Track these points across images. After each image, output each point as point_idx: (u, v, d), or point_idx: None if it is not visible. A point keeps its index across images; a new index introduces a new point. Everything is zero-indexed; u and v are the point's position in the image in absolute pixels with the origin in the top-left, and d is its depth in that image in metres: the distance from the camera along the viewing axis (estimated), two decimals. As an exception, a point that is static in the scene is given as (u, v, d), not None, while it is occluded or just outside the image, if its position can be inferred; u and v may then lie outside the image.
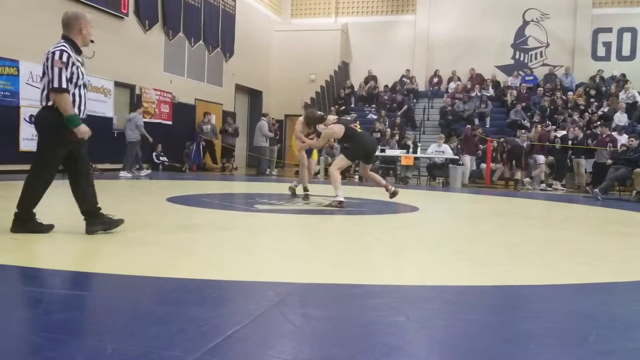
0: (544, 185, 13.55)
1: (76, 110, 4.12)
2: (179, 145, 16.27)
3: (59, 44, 4.13)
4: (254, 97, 21.35)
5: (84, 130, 4.10)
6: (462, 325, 2.40)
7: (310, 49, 20.85)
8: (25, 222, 4.16)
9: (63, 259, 3.49)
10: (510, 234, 5.68)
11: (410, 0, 21.30)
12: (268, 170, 16.23)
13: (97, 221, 4.23)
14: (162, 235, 4.33)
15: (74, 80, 4.14)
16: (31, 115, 11.63)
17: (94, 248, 3.84)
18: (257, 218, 5.96)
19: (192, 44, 17.08)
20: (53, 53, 4.05)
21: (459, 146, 15.05)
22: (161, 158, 15.53)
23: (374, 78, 20.85)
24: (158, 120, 15.72)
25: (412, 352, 2.08)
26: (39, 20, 11.45)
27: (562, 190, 13.50)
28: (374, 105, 19.69)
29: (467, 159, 14.72)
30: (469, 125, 15.56)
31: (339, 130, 7.36)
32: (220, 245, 4.19)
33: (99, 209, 4.28)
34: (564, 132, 14.34)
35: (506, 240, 5.14)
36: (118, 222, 4.30)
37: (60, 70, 4.01)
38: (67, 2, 12.08)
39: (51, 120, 4.08)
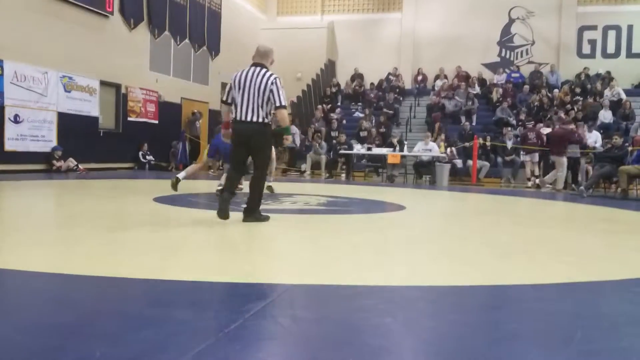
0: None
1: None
2: (165, 144, 16.20)
3: (269, 72, 5.12)
4: (241, 95, 21.25)
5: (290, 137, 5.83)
6: (449, 326, 2.42)
7: (297, 47, 20.82)
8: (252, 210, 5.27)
9: (49, 261, 3.46)
10: (497, 232, 5.72)
11: (397, -2, 21.36)
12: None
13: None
14: (150, 236, 4.30)
15: None
16: (16, 115, 11.57)
17: (80, 249, 3.81)
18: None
19: (178, 43, 17.00)
20: (276, 79, 5.09)
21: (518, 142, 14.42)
22: (147, 157, 15.46)
23: (361, 76, 20.87)
24: (144, 120, 15.66)
25: (400, 353, 2.09)
26: (24, 20, 11.32)
27: (549, 187, 13.59)
28: (360, 103, 19.72)
29: (537, 156, 14.21)
30: (541, 124, 15.07)
31: None
32: (208, 246, 4.17)
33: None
34: (550, 130, 14.40)
35: (493, 239, 5.17)
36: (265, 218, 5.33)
37: (282, 91, 5.11)
38: (52, 1, 11.99)
39: (269, 133, 5.22)
